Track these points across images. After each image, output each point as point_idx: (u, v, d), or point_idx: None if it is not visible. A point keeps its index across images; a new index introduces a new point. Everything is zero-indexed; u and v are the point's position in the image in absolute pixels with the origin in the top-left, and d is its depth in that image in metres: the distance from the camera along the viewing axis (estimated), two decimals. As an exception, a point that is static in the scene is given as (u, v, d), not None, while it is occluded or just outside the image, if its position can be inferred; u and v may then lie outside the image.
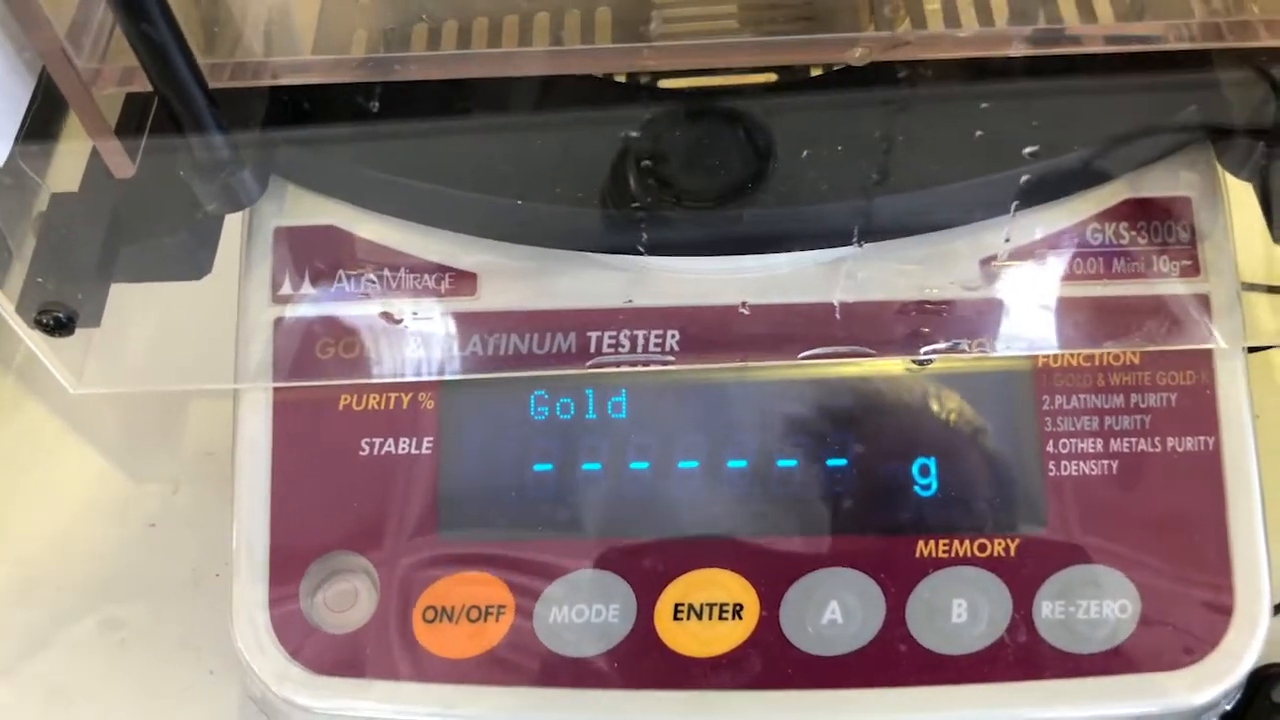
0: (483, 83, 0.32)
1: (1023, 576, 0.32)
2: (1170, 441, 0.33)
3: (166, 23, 0.25)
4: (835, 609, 0.32)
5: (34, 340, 0.30)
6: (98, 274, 0.30)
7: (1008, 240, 0.32)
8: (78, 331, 0.31)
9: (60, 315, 0.29)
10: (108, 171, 0.30)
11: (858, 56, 0.30)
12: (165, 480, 0.41)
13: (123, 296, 0.32)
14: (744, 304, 0.32)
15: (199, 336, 0.33)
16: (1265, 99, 0.30)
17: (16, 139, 0.29)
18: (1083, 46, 0.31)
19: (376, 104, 0.31)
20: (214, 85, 0.30)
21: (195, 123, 0.28)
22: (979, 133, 0.31)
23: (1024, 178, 0.31)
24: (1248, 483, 0.33)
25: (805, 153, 0.31)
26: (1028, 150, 0.30)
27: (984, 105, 0.31)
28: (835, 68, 0.32)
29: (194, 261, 0.32)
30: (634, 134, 0.31)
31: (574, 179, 0.32)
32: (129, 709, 0.37)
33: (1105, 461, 0.33)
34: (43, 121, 0.29)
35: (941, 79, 0.32)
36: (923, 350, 0.32)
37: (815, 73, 0.33)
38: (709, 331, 0.33)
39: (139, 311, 0.33)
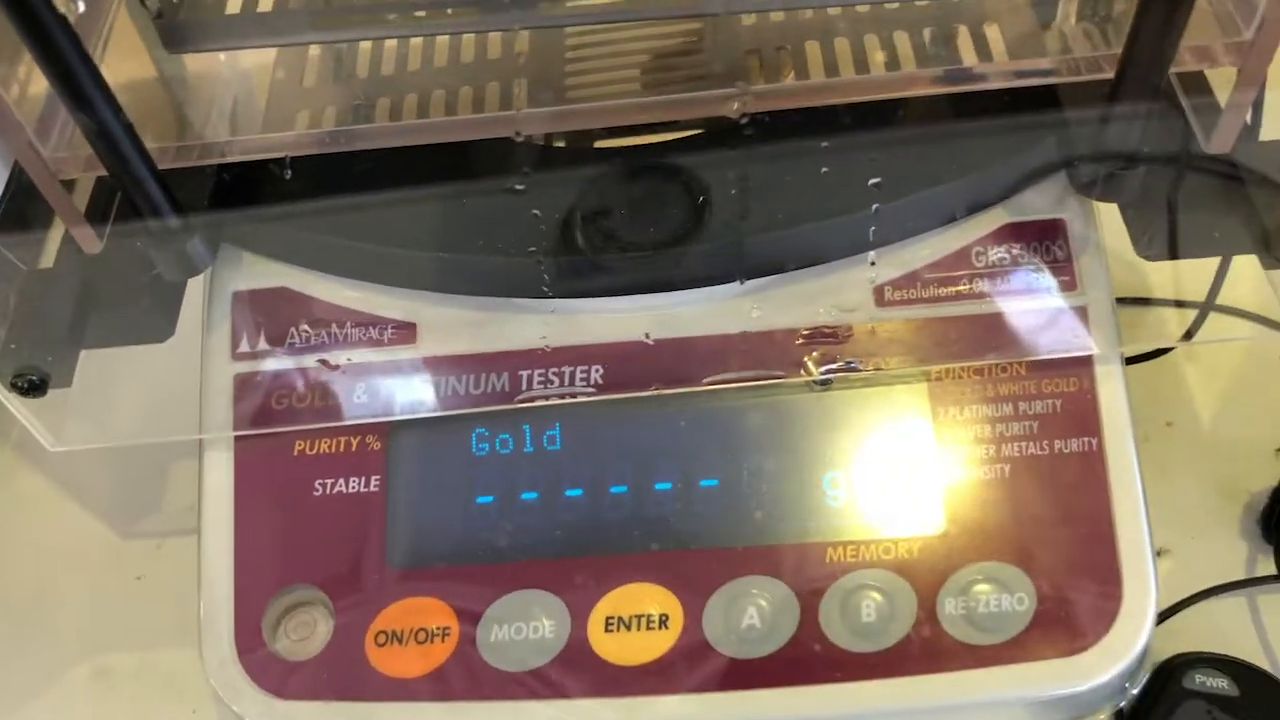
0: (412, 151, 0.35)
1: (926, 576, 0.35)
2: (1057, 444, 0.35)
3: (111, 109, 0.29)
4: (754, 614, 0.35)
5: (11, 402, 0.33)
6: (68, 340, 0.34)
7: (873, 264, 0.35)
8: (54, 394, 0.35)
9: (34, 378, 0.33)
10: (78, 247, 0.34)
11: (735, 109, 0.33)
12: (151, 535, 0.44)
13: (97, 360, 0.36)
14: (647, 335, 0.35)
15: (166, 394, 0.36)
16: (1104, 126, 0.33)
17: (-8, 221, 0.33)
18: (985, 84, 0.35)
19: (289, 172, 0.34)
20: (179, 165, 0.34)
21: (146, 199, 0.32)
22: (857, 172, 0.35)
23: (896, 209, 0.34)
24: (1130, 479, 0.35)
25: (701, 199, 0.35)
26: (871, 181, 0.33)
27: (841, 146, 0.34)
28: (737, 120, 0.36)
29: (158, 326, 0.36)
30: (520, 186, 0.34)
31: (494, 234, 0.35)
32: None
33: (998, 465, 0.35)
34: (18, 205, 0.33)
35: (823, 127, 0.35)
36: (820, 371, 0.35)
37: (743, 119, 0.36)
38: (626, 364, 0.36)
39: (111, 374, 0.36)
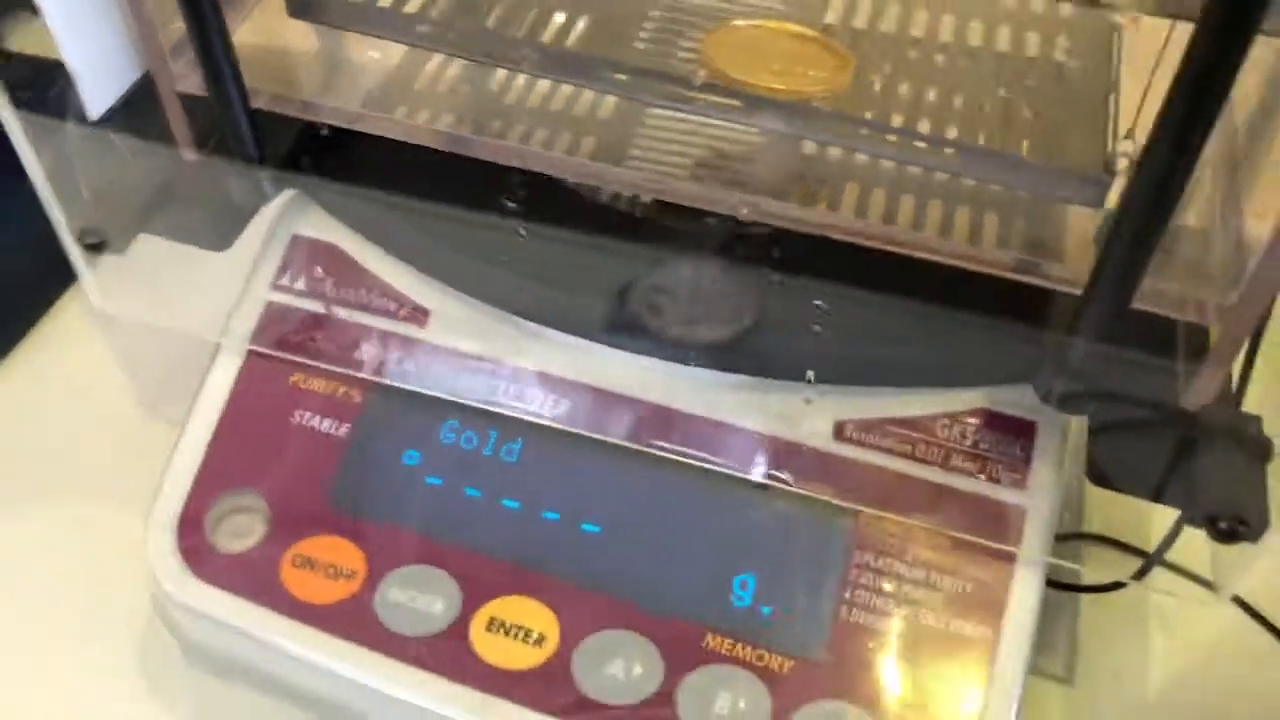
0: (470, 165, 0.39)
1: (787, 693, 0.36)
2: (954, 623, 0.37)
3: (224, 46, 0.34)
4: (619, 666, 0.37)
5: (75, 255, 0.38)
6: (135, 219, 0.39)
7: (809, 402, 0.37)
8: (117, 264, 0.40)
9: (94, 240, 0.38)
10: (173, 147, 0.39)
11: (744, 214, 0.36)
12: (168, 422, 0.48)
13: (160, 251, 0.41)
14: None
15: (207, 297, 0.41)
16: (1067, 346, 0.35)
17: (113, 107, 0.38)
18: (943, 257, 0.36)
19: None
20: (269, 108, 0.38)
21: (233, 128, 0.37)
22: (845, 311, 0.37)
23: (873, 356, 0.37)
24: (1011, 682, 0.36)
25: (702, 287, 0.38)
26: (815, 327, 0.36)
27: (839, 279, 0.37)
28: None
29: (219, 237, 0.41)
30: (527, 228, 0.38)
31: (528, 260, 0.39)
32: (70, 581, 0.45)
33: (893, 620, 0.37)
34: (136, 99, 0.39)
35: (832, 261, 0.38)
36: (759, 474, 0.38)
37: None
38: (596, 406, 0.39)
39: (168, 267, 0.41)
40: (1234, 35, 0.28)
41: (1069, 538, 0.46)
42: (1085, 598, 0.45)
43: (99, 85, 0.37)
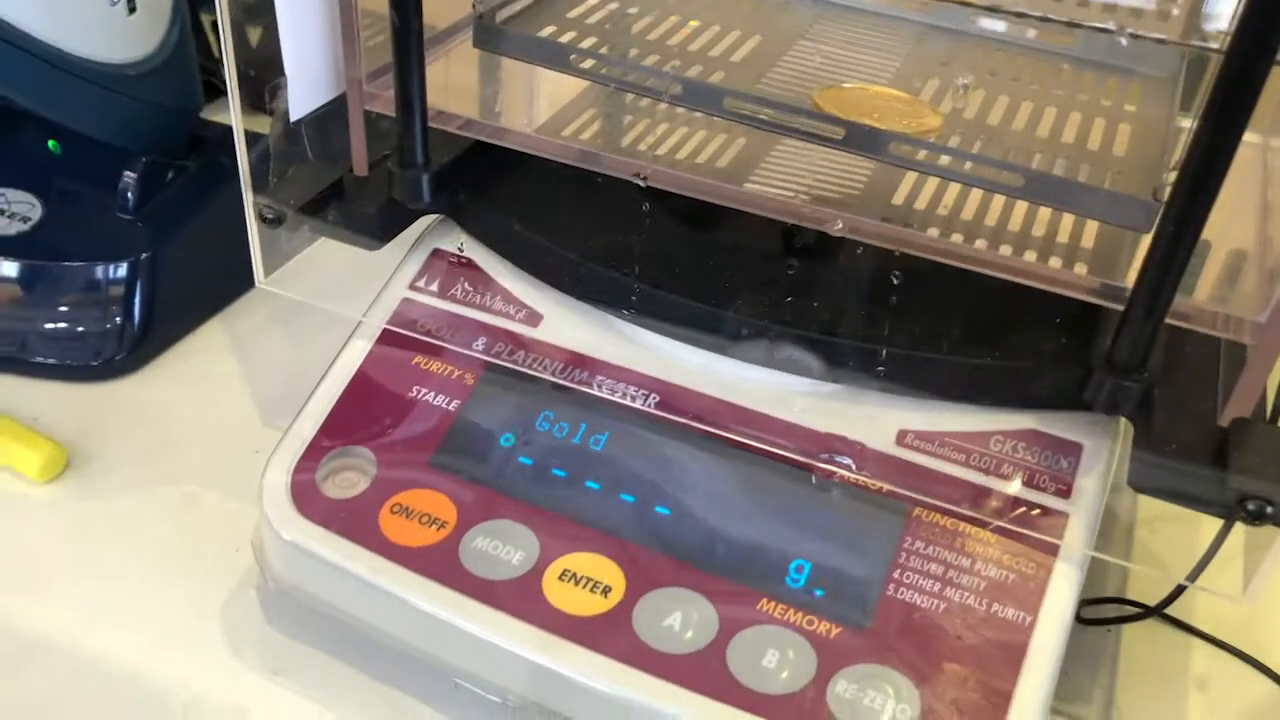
0: (604, 184, 0.45)
1: (832, 654, 0.38)
2: (995, 607, 0.39)
3: (419, 80, 0.42)
4: (677, 619, 0.39)
5: (252, 227, 0.45)
6: (306, 209, 0.46)
7: (876, 410, 0.42)
8: (285, 249, 0.47)
9: (272, 215, 0.45)
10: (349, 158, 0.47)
11: (838, 228, 0.42)
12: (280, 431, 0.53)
13: (315, 244, 0.47)
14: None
15: (354, 284, 0.47)
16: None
17: (311, 113, 0.46)
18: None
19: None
20: (439, 126, 0.46)
21: (408, 145, 0.44)
22: (916, 333, 0.42)
23: (936, 371, 0.41)
24: (1045, 665, 0.38)
25: (793, 298, 0.43)
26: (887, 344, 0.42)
27: (914, 297, 0.42)
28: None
29: (373, 239, 0.47)
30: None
31: (641, 267, 0.44)
32: (170, 545, 0.49)
33: (936, 600, 0.39)
34: (327, 114, 0.46)
35: (911, 276, 0.42)
36: (819, 468, 0.41)
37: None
38: (683, 399, 0.43)
39: (320, 257, 0.48)
40: (1254, 64, 0.33)
41: (1104, 601, 0.48)
42: (1123, 658, 0.46)
43: (304, 93, 0.45)
